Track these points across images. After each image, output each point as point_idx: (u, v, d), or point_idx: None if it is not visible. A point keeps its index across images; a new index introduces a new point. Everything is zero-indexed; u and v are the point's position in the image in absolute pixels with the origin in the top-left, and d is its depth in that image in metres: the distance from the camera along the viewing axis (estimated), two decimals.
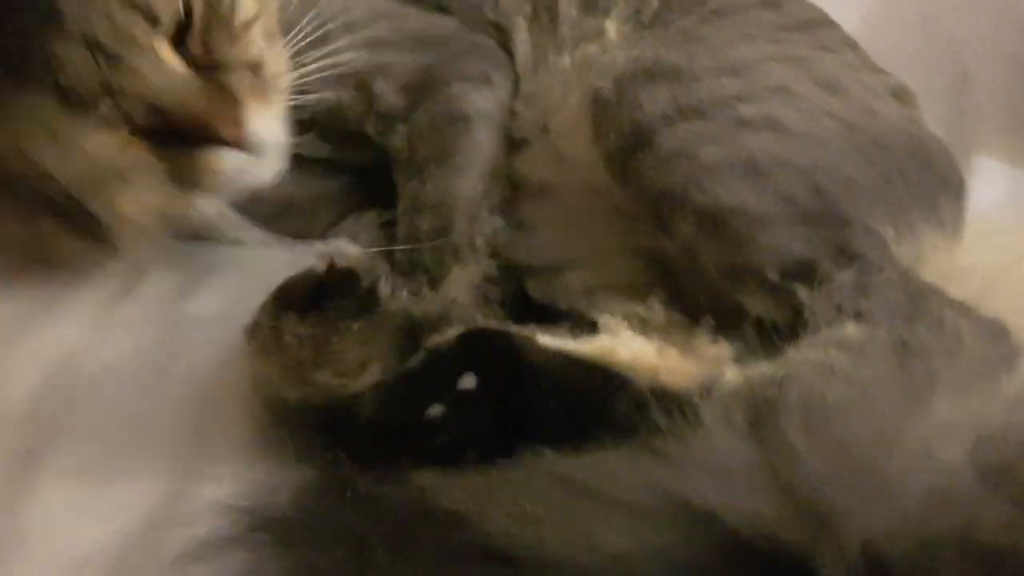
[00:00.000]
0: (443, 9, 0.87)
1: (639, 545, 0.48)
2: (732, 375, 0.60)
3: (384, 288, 0.65)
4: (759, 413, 0.55)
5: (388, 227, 0.82)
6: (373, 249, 0.75)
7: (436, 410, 0.59)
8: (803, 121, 0.70)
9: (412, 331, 0.64)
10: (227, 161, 0.67)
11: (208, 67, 0.67)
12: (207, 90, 0.66)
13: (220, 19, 0.68)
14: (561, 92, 0.82)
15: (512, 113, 0.83)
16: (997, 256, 0.72)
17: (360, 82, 0.80)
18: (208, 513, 0.56)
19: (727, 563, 0.47)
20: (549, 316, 0.72)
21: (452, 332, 0.63)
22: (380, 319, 0.64)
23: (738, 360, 0.63)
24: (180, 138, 0.66)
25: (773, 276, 0.64)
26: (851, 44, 0.84)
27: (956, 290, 0.66)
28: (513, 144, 0.82)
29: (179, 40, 0.67)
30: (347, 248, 0.75)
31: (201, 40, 0.68)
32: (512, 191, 0.81)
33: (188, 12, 0.67)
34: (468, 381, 0.60)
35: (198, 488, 0.62)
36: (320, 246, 0.77)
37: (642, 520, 0.50)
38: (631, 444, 0.55)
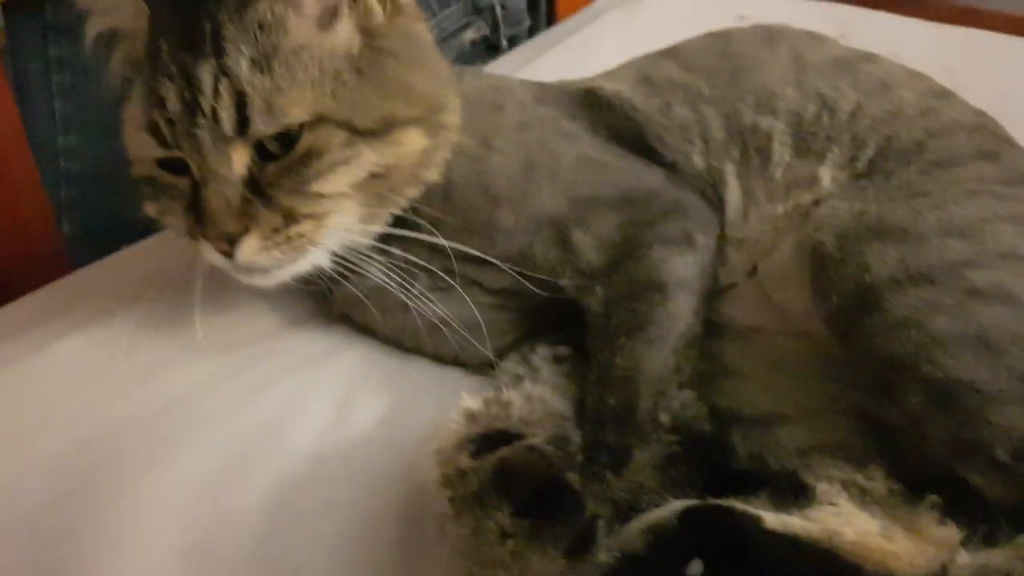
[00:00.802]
0: (652, 155, 0.86)
1: None
2: (962, 565, 0.58)
3: (602, 530, 0.62)
4: None
5: (563, 362, 0.83)
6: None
7: None
8: None
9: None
10: (208, 254, 0.74)
11: (261, 186, 0.72)
12: (231, 200, 0.71)
13: (303, 173, 0.72)
14: (772, 238, 0.82)
15: (720, 257, 0.82)
16: None
17: (558, 232, 0.79)
18: None
19: None
20: (744, 483, 0.69)
21: (676, 506, 0.62)
22: (586, 564, 0.61)
23: (965, 545, 0.60)
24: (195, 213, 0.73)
25: (1003, 456, 0.62)
26: None
27: None
28: (720, 287, 0.82)
29: (264, 153, 0.72)
30: (553, 402, 0.76)
31: (278, 171, 0.72)
32: (720, 333, 0.80)
33: (290, 146, 0.72)
34: (695, 568, 0.58)
35: None
36: (527, 386, 0.78)
37: None
38: None
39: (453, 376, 0.86)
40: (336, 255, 0.77)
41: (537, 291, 0.81)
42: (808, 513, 0.64)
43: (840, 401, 0.75)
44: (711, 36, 0.96)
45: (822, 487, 0.67)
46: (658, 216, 0.81)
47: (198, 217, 0.73)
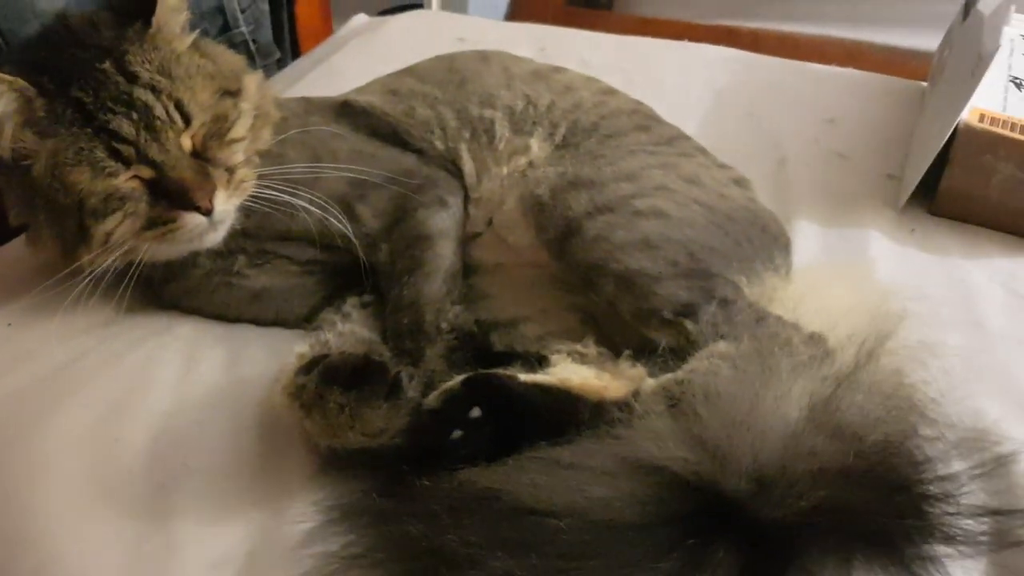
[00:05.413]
0: (405, 145, 1.14)
1: (614, 491, 0.76)
2: (649, 384, 0.89)
3: (405, 379, 0.88)
4: (673, 400, 0.84)
5: (368, 307, 1.08)
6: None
7: (456, 434, 0.85)
8: (678, 209, 1.01)
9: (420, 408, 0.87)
10: (191, 221, 0.96)
11: (201, 157, 0.98)
12: (198, 172, 0.96)
13: (219, 132, 0.99)
14: (500, 194, 1.11)
15: (465, 214, 1.11)
16: (814, 293, 1.03)
17: (346, 206, 1.05)
18: (309, 512, 0.83)
19: (671, 493, 0.75)
20: (505, 362, 0.99)
21: (459, 377, 0.88)
22: (401, 403, 0.86)
23: (651, 375, 0.91)
24: (167, 198, 0.94)
25: (668, 315, 0.94)
26: (702, 150, 1.18)
27: (788, 315, 0.96)
28: (468, 237, 1.10)
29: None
30: (361, 332, 1.02)
31: (203, 139, 0.98)
32: (474, 270, 1.09)
33: (203, 123, 0.97)
34: (475, 412, 0.85)
35: (293, 499, 0.86)
36: (339, 326, 1.03)
37: (612, 476, 0.77)
38: (594, 434, 0.82)
39: (277, 330, 1.10)
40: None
41: (335, 258, 1.06)
42: (547, 371, 0.93)
43: (563, 302, 1.05)
44: (439, 58, 1.27)
45: (554, 357, 0.96)
46: (417, 188, 1.09)
47: (176, 198, 0.94)
